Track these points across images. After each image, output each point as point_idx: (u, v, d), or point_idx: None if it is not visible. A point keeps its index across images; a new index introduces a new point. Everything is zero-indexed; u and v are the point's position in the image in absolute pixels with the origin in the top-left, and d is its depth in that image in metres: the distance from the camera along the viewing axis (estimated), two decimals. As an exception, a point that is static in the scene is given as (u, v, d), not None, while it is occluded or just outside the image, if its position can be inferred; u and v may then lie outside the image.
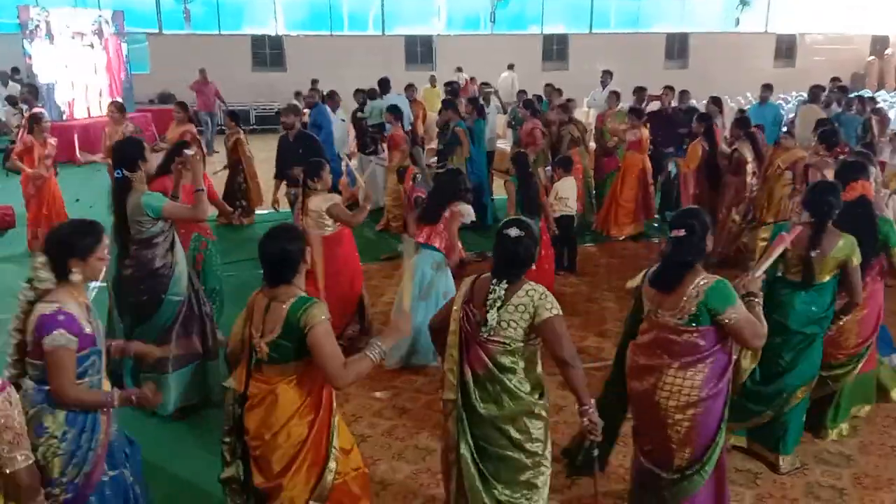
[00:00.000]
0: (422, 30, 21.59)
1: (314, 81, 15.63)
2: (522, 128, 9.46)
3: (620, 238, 8.90)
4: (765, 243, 4.11)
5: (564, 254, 7.59)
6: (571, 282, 7.40)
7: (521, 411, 3.07)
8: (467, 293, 3.17)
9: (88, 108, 15.34)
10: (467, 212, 5.61)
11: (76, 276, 2.87)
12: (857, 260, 3.91)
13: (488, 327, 3.02)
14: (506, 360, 3.05)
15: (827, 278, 3.96)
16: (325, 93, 11.44)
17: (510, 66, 17.87)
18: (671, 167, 9.17)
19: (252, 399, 3.04)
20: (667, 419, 3.26)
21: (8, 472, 2.53)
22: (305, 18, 21.10)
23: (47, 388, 2.82)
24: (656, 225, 9.36)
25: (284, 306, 2.92)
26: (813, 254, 3.87)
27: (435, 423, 4.65)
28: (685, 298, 3.14)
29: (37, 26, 14.09)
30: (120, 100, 11.37)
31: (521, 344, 3.03)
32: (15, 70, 15.65)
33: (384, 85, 11.12)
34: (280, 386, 2.99)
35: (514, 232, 3.03)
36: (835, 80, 13.15)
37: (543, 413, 3.13)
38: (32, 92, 11.31)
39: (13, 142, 9.60)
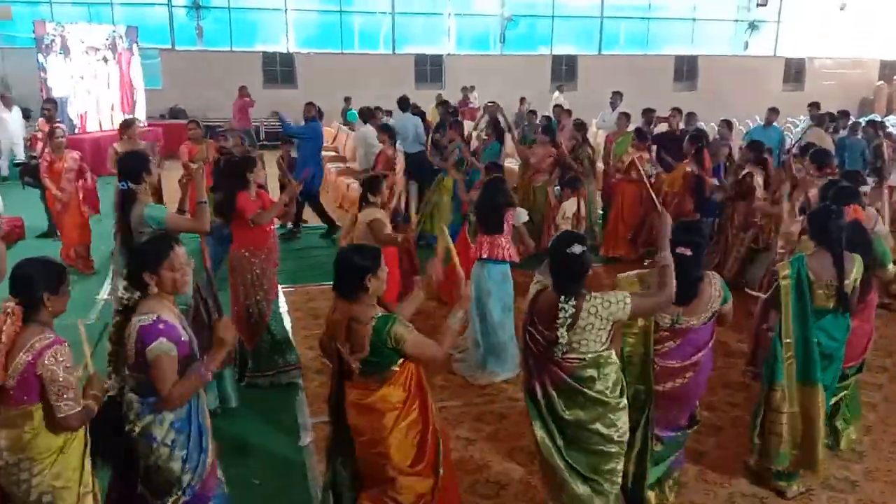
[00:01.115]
0: (432, 49, 21.73)
1: (347, 100, 15.94)
2: (538, 152, 9.42)
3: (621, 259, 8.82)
4: (787, 280, 3.94)
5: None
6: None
7: (606, 411, 3.19)
8: (526, 316, 3.24)
9: (100, 122, 15.47)
10: (522, 215, 5.75)
11: (153, 289, 2.91)
12: (864, 276, 4.01)
13: (560, 346, 3.07)
14: (584, 373, 3.15)
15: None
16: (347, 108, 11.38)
17: (559, 87, 17.81)
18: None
19: (354, 407, 3.14)
20: (694, 394, 3.71)
21: (57, 416, 2.76)
22: (317, 36, 21.28)
23: (151, 399, 2.88)
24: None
25: (367, 328, 3.00)
26: (847, 281, 3.87)
27: None
28: (708, 302, 3.48)
29: (52, 41, 14.20)
30: (130, 117, 11.36)
31: (597, 354, 3.13)
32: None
33: (403, 103, 11.20)
34: (377, 392, 3.08)
35: (577, 249, 3.09)
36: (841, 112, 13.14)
37: (625, 405, 3.26)
38: (51, 107, 11.28)
39: (34, 157, 9.65)
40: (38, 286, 2.81)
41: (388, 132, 9.46)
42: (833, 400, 4.32)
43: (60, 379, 2.74)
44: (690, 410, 3.81)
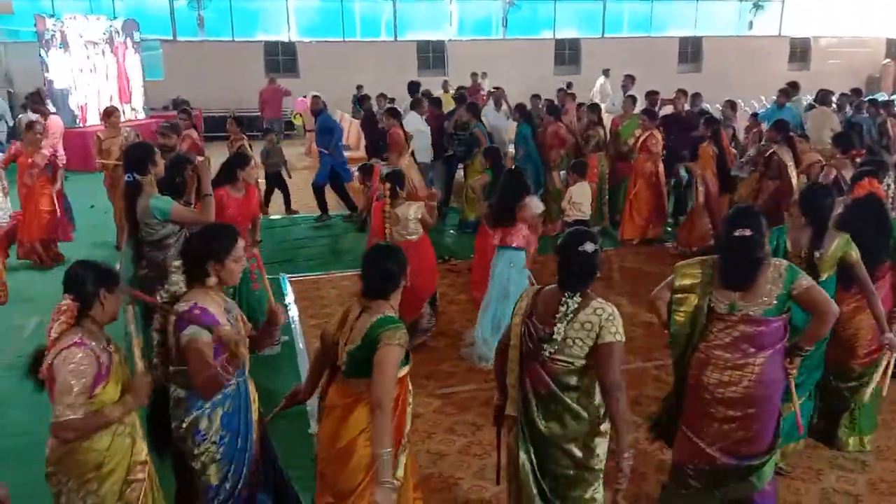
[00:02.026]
0: (434, 35, 21.63)
1: (359, 88, 15.95)
2: (546, 130, 9.44)
3: (634, 242, 8.85)
4: None
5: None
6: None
7: (583, 431, 3.05)
8: (529, 307, 3.13)
9: (99, 110, 15.58)
10: (537, 204, 5.77)
11: (212, 280, 2.93)
12: (855, 254, 3.91)
13: (553, 342, 2.97)
14: (569, 380, 3.02)
15: (825, 276, 3.94)
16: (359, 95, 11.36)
17: (605, 72, 17.68)
18: (682, 172, 9.12)
19: (327, 410, 3.05)
20: (751, 408, 3.32)
21: (52, 418, 2.68)
22: (318, 24, 21.20)
23: (193, 391, 2.87)
24: (669, 229, 9.30)
25: (370, 319, 2.92)
26: (817, 254, 3.90)
27: (482, 401, 4.83)
28: (768, 287, 3.24)
29: (52, 36, 14.37)
30: (111, 105, 11.17)
31: (584, 362, 2.99)
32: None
33: (413, 88, 11.17)
34: (351, 401, 2.97)
35: (589, 248, 3.00)
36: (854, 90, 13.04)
37: (606, 430, 3.09)
38: (37, 99, 11.26)
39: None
40: (92, 285, 2.82)
41: (394, 116, 9.50)
42: (837, 405, 4.30)
43: (60, 380, 2.67)
44: (759, 436, 3.38)
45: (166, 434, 2.98)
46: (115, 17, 16.85)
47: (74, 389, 2.67)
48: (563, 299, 2.98)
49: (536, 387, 3.07)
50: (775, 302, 3.24)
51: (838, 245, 3.93)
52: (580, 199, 7.41)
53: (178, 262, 2.93)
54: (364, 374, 2.88)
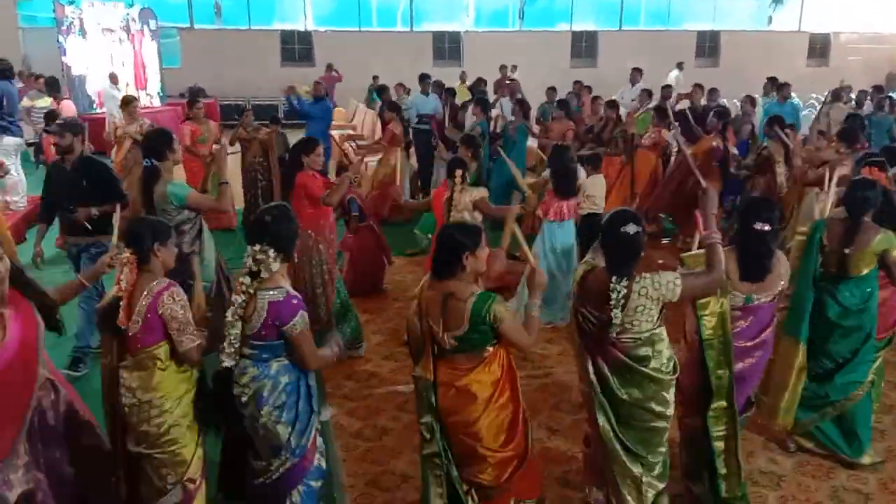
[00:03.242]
0: (450, 26, 21.58)
1: (375, 78, 16.02)
2: (555, 128, 9.40)
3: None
4: (802, 237, 4.10)
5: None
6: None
7: (660, 388, 3.18)
8: (578, 293, 3.23)
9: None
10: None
11: (283, 260, 3.10)
12: (895, 252, 3.90)
13: (614, 327, 3.06)
14: (640, 352, 3.13)
15: (865, 271, 3.93)
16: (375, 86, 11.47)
17: (679, 65, 17.57)
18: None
19: (446, 386, 3.13)
20: (756, 376, 3.76)
21: (180, 350, 3.05)
22: (334, 14, 21.21)
23: (265, 361, 3.05)
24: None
25: (466, 304, 2.97)
26: (847, 251, 3.89)
27: None
28: (778, 278, 3.48)
29: (71, 23, 14.57)
30: (130, 95, 11.20)
31: (651, 330, 3.12)
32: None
33: (422, 80, 11.19)
34: (471, 373, 3.08)
35: (632, 229, 3.04)
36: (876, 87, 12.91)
37: (674, 379, 3.24)
38: (51, 82, 11.32)
39: (46, 131, 9.62)
40: (147, 239, 3.07)
41: (395, 110, 9.66)
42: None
43: (179, 316, 3.02)
44: (747, 393, 3.78)
45: (227, 403, 3.13)
46: (132, 5, 16.97)
47: (190, 319, 3.07)
48: (612, 285, 3.03)
49: (609, 360, 3.18)
50: (778, 290, 3.54)
51: (880, 241, 3.89)
52: (594, 192, 7.34)
53: (259, 248, 2.99)
54: (476, 348, 3.05)
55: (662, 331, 3.19)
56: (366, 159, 10.22)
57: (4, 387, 2.65)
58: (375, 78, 17.05)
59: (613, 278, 3.03)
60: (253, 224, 3.11)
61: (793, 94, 11.50)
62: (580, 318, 3.21)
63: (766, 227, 3.33)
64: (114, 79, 14.46)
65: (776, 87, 11.31)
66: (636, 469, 3.25)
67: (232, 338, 3.00)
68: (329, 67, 17.55)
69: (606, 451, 3.28)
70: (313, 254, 5.10)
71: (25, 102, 10.91)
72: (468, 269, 3.03)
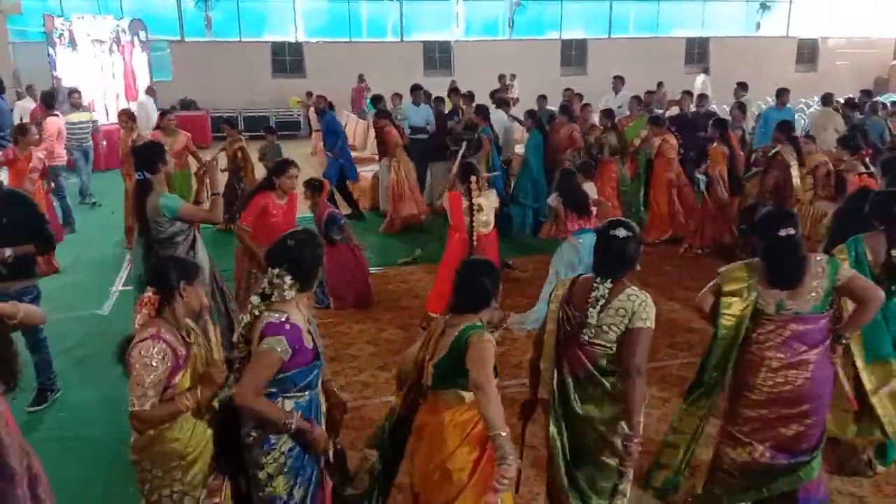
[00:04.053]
0: (440, 36, 21.65)
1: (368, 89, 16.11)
2: (561, 132, 9.44)
3: (656, 242, 8.77)
4: (845, 262, 3.87)
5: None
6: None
7: (619, 415, 3.05)
8: (566, 294, 3.20)
9: (106, 108, 15.85)
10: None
11: (300, 286, 2.91)
12: None
13: (589, 327, 3.03)
14: (608, 364, 3.07)
15: None
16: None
17: (705, 70, 17.58)
18: (698, 175, 9.12)
19: (418, 431, 3.04)
20: (806, 404, 3.38)
21: (130, 410, 2.78)
22: (325, 25, 21.24)
23: (273, 396, 2.81)
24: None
25: (455, 330, 2.89)
26: (894, 252, 3.85)
27: None
28: (813, 283, 3.29)
29: (61, 34, 14.61)
30: (131, 107, 11.34)
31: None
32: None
33: (413, 90, 11.24)
34: (445, 415, 2.93)
35: (621, 233, 3.04)
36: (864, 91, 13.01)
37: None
38: (45, 97, 11.22)
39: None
40: (173, 278, 2.91)
41: (386, 116, 9.83)
42: None
43: (134, 373, 2.78)
44: (811, 431, 3.43)
45: (233, 444, 2.96)
46: (121, 17, 17.02)
47: (146, 381, 2.76)
48: (595, 285, 3.03)
49: (574, 369, 3.13)
50: (822, 296, 3.30)
51: None
52: (586, 199, 7.41)
53: (278, 272, 2.85)
54: (452, 384, 2.90)
55: None
56: (361, 171, 10.31)
57: None
58: (368, 89, 17.10)
59: (598, 279, 3.05)
60: (275, 247, 2.95)
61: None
62: (562, 315, 3.17)
63: (791, 232, 3.28)
64: (151, 92, 14.50)
65: (745, 90, 11.48)
66: None
67: (237, 363, 2.88)
68: (360, 78, 17.73)
69: (552, 470, 3.19)
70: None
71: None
72: (489, 309, 3.00)
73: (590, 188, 7.50)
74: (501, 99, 11.22)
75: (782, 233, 3.27)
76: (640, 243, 3.12)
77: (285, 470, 2.86)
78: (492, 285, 2.96)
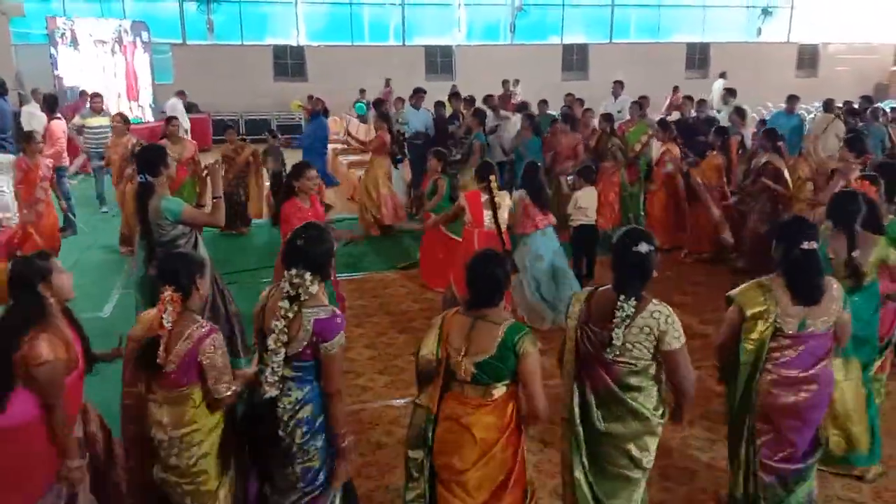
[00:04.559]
0: (442, 40, 21.70)
1: (362, 92, 15.99)
2: (563, 141, 9.42)
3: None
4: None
5: (583, 263, 7.58)
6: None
7: (643, 430, 3.05)
8: (583, 311, 3.11)
9: (108, 108, 15.79)
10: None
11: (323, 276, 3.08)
12: (893, 254, 3.99)
13: (614, 347, 2.96)
14: (632, 380, 3.02)
15: (868, 280, 3.98)
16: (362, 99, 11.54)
17: (722, 75, 17.63)
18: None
19: (448, 422, 3.00)
20: (816, 412, 3.46)
21: (216, 397, 3.04)
22: (327, 29, 21.29)
23: (309, 382, 3.01)
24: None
25: (500, 328, 2.90)
26: (855, 254, 3.89)
27: None
28: (831, 303, 3.34)
29: (63, 34, 14.60)
30: (126, 111, 11.26)
31: (648, 363, 3.01)
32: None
33: (415, 94, 11.28)
34: (479, 411, 2.94)
35: (644, 248, 2.96)
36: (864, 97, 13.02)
37: (660, 430, 3.13)
38: (48, 99, 11.16)
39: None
40: (187, 275, 3.06)
41: (386, 120, 9.93)
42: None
43: (219, 364, 3.01)
44: (812, 433, 3.53)
45: (266, 429, 3.07)
46: (123, 18, 17.09)
47: (228, 367, 3.06)
48: (619, 303, 2.94)
49: (596, 386, 3.08)
50: (835, 318, 3.37)
51: (881, 247, 3.97)
52: (585, 203, 7.40)
53: (296, 271, 2.94)
54: (492, 381, 2.93)
55: (661, 372, 3.08)
56: (351, 169, 10.34)
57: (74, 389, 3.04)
58: (362, 91, 17.11)
59: (621, 297, 2.95)
60: (287, 248, 3.04)
61: (782, 105, 11.56)
62: (580, 334, 3.10)
63: (814, 245, 3.25)
64: (181, 95, 14.69)
65: (734, 96, 11.57)
66: None
67: (275, 366, 2.93)
68: (387, 83, 17.77)
69: (570, 486, 3.19)
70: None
71: (77, 121, 10.87)
72: (503, 297, 3.02)
73: (591, 193, 7.52)
74: (493, 104, 11.27)
75: (805, 246, 3.25)
76: (658, 251, 3.07)
77: (320, 445, 3.06)
78: (504, 276, 3.01)
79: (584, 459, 3.12)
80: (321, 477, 3.10)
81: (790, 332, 3.32)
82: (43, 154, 7.91)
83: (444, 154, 6.10)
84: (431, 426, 3.03)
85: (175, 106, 14.59)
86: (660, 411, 3.09)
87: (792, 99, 11.03)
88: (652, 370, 3.03)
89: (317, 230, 3.10)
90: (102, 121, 10.69)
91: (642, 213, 9.36)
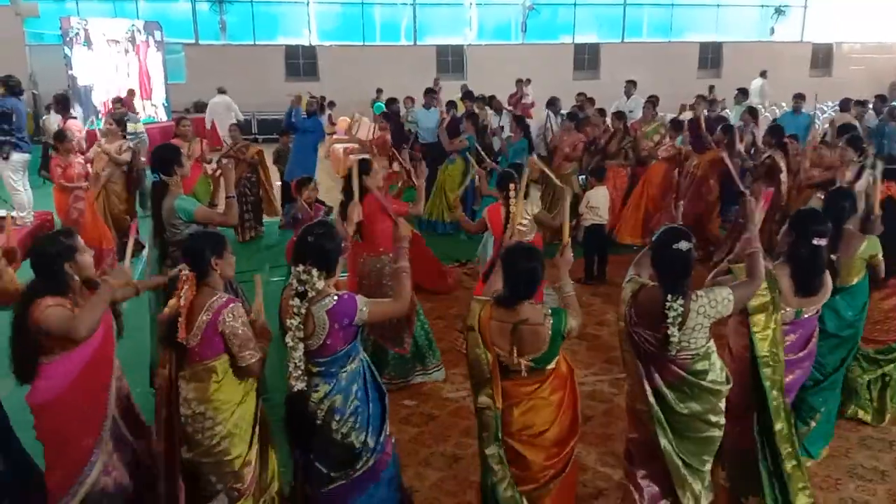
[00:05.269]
0: (453, 40, 21.69)
1: (379, 91, 16.00)
2: (566, 141, 9.42)
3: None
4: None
5: (595, 263, 7.57)
6: (601, 291, 7.33)
7: (718, 399, 3.20)
8: (631, 315, 3.20)
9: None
10: None
11: (333, 272, 3.16)
12: (880, 255, 4.05)
13: (673, 345, 3.03)
14: (698, 366, 3.14)
15: (855, 280, 4.00)
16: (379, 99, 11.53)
17: (762, 74, 17.58)
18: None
19: (514, 402, 3.16)
20: (799, 385, 3.81)
21: (241, 365, 3.14)
22: (338, 28, 21.33)
23: (335, 374, 3.08)
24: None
25: (545, 327, 3.04)
26: (833, 257, 3.90)
27: (462, 430, 4.69)
28: (827, 291, 3.53)
29: (77, 34, 14.72)
30: (119, 113, 10.98)
31: (707, 346, 3.14)
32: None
33: (426, 94, 11.27)
34: (545, 383, 3.16)
35: (684, 245, 3.02)
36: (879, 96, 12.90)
37: (727, 390, 3.24)
38: (59, 99, 11.10)
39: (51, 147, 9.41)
40: (205, 254, 3.14)
41: (388, 120, 10.14)
42: (879, 372, 4.51)
43: (240, 332, 3.10)
44: (791, 401, 3.80)
45: (306, 425, 3.13)
46: (137, 18, 17.18)
47: (250, 335, 3.15)
48: (668, 304, 3.00)
49: (668, 378, 3.17)
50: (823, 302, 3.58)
51: (866, 247, 3.98)
52: (597, 203, 7.40)
53: (303, 268, 3.00)
54: (550, 362, 3.13)
55: (712, 343, 3.20)
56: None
57: (94, 370, 3.15)
58: (379, 91, 17.12)
59: (669, 297, 3.00)
60: (296, 244, 3.12)
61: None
62: (636, 338, 3.18)
63: (824, 242, 3.36)
64: (221, 90, 14.89)
65: (746, 96, 11.48)
66: (697, 486, 3.26)
67: (297, 360, 2.99)
68: (436, 82, 17.60)
69: (668, 469, 3.27)
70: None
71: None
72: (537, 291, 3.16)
73: (602, 193, 7.51)
74: (497, 106, 11.28)
75: (815, 241, 3.37)
76: (696, 247, 3.15)
77: (358, 424, 3.12)
78: (541, 267, 3.10)
79: (670, 434, 3.22)
80: (368, 455, 3.16)
81: (787, 319, 3.47)
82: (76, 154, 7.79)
83: (513, 177, 5.90)
84: (500, 420, 3.16)
85: (219, 103, 14.76)
86: (724, 375, 3.21)
87: (798, 98, 10.96)
88: (712, 347, 3.17)
89: (326, 228, 3.19)
90: (137, 127, 10.87)
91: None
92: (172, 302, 3.19)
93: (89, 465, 3.13)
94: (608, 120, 10.00)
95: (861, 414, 4.66)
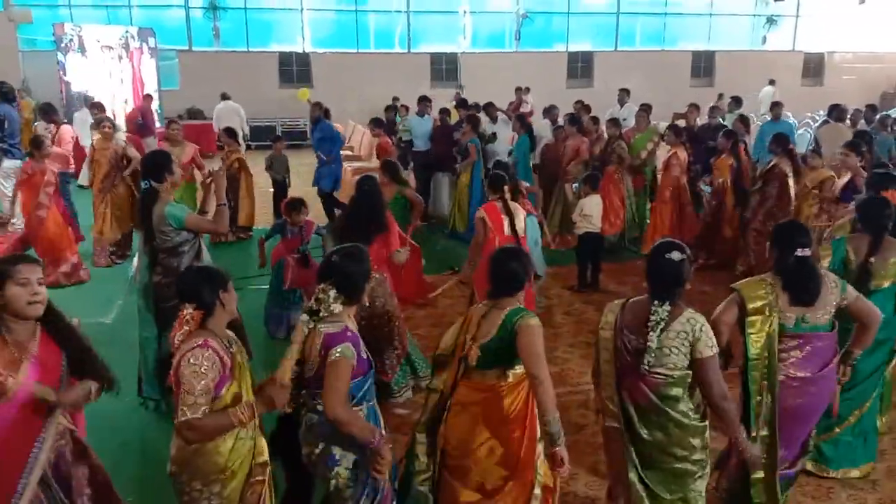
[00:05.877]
0: (447, 48, 21.73)
1: (395, 99, 15.91)
2: (569, 143, 9.44)
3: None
4: (826, 263, 4.04)
5: (588, 270, 7.57)
6: (594, 299, 7.32)
7: (685, 434, 3.13)
8: (619, 319, 3.21)
9: (114, 114, 15.87)
10: None
11: (357, 300, 3.02)
12: None
13: (650, 352, 3.02)
14: (670, 391, 3.09)
15: (887, 284, 3.98)
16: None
17: (772, 82, 17.69)
18: (702, 186, 9.10)
19: (457, 406, 3.16)
20: (814, 415, 3.58)
21: (181, 420, 2.67)
22: (332, 36, 21.34)
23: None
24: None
25: (503, 312, 3.09)
26: (872, 259, 3.94)
27: None
28: (830, 298, 3.43)
29: (70, 40, 14.72)
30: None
31: (683, 373, 3.06)
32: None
33: (420, 101, 11.27)
34: (488, 396, 3.10)
35: (676, 256, 3.05)
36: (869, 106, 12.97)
37: (707, 431, 3.20)
38: (47, 108, 11.05)
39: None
40: (210, 292, 2.82)
41: (380, 126, 10.22)
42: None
43: (184, 381, 2.67)
44: (803, 437, 3.65)
45: (293, 457, 3.03)
46: (130, 24, 17.18)
47: (196, 389, 2.67)
48: (654, 308, 3.03)
49: (636, 399, 3.14)
50: (833, 312, 3.45)
51: None
52: (591, 211, 7.40)
53: (324, 286, 2.88)
54: (498, 364, 3.08)
55: (691, 376, 3.13)
56: (354, 176, 10.33)
57: (13, 431, 2.63)
58: (395, 99, 16.60)
59: (655, 302, 3.04)
60: (322, 263, 3.03)
61: (788, 114, 11.57)
62: (619, 343, 3.18)
63: (807, 253, 3.36)
64: (225, 96, 14.82)
65: (740, 105, 11.61)
66: None
67: (291, 377, 2.87)
68: (457, 95, 17.52)
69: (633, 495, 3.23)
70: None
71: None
72: (523, 292, 3.19)
73: (595, 201, 7.52)
74: (493, 113, 11.31)
75: (800, 253, 3.35)
76: (691, 262, 3.15)
77: (350, 485, 2.92)
78: (523, 270, 3.17)
79: (635, 458, 3.19)
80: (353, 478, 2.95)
81: (790, 326, 3.42)
82: (52, 158, 7.88)
83: (505, 179, 5.90)
84: (444, 413, 3.18)
85: (223, 112, 14.59)
86: (698, 414, 3.16)
87: (776, 106, 11.08)
88: (688, 380, 3.10)
89: (356, 250, 3.07)
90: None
91: (648, 221, 9.32)
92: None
93: None
94: (602, 128, 10.04)
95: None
